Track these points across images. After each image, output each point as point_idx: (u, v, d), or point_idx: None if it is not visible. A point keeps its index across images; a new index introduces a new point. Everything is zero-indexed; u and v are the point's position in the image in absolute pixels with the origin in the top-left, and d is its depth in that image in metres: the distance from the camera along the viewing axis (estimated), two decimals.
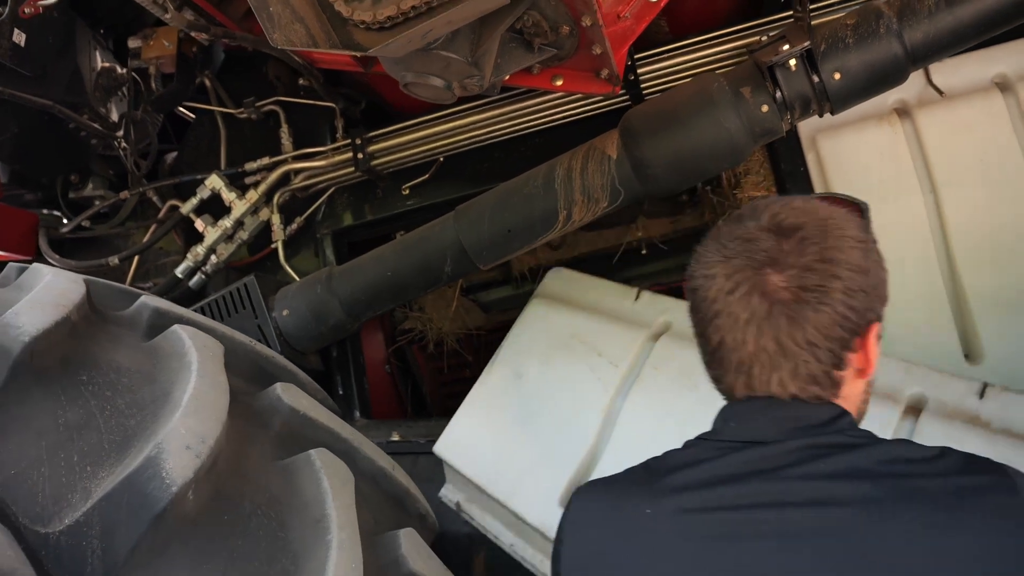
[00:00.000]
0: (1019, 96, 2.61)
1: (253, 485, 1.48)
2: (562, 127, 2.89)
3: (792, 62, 2.21)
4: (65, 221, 3.38)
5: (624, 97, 2.76)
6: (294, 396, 1.74)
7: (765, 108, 2.26)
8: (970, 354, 2.55)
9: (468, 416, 2.55)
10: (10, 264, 1.91)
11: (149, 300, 1.85)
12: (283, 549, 1.40)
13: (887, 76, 2.23)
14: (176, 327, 1.70)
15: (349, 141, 2.99)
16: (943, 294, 2.58)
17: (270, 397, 1.73)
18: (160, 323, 1.80)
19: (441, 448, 2.52)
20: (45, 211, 3.45)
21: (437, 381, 3.47)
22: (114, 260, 3.13)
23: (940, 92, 2.63)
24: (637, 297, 2.56)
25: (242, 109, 3.23)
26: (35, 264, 1.80)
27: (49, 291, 1.56)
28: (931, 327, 2.57)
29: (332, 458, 1.59)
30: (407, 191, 3.09)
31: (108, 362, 1.54)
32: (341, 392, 3.04)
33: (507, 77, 2.33)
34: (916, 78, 2.66)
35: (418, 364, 3.39)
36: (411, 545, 1.63)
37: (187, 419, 1.38)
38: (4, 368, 1.36)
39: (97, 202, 3.39)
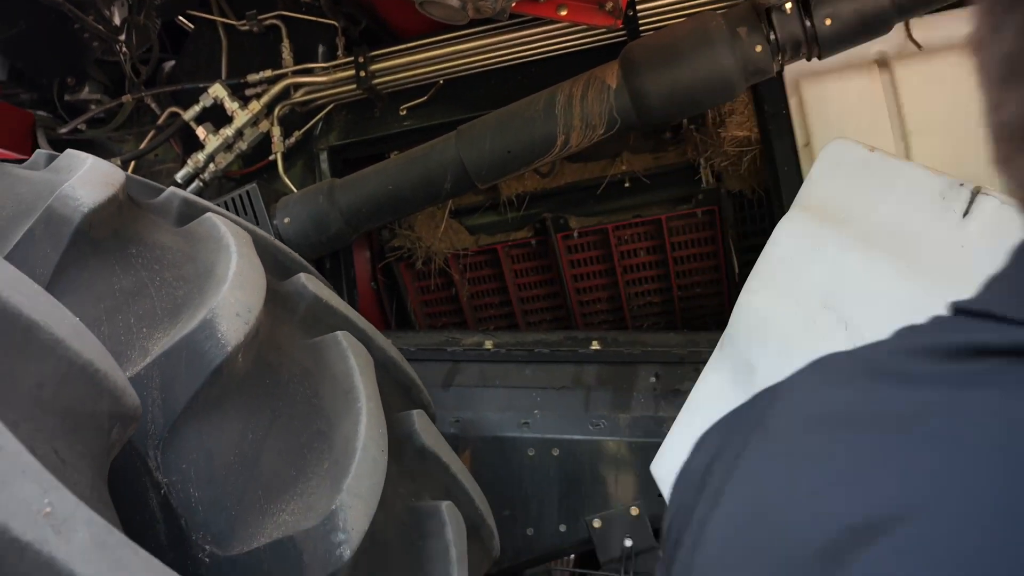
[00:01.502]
0: None
1: (288, 358, 1.62)
2: (558, 59, 3.00)
3: (788, 6, 2.36)
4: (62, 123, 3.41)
5: (621, 33, 2.88)
6: (317, 285, 1.87)
7: (759, 48, 2.41)
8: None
9: (687, 427, 2.13)
10: (38, 151, 1.99)
11: (177, 191, 1.96)
12: (318, 413, 1.55)
13: (874, 25, 2.39)
14: (209, 214, 1.82)
15: (352, 59, 3.07)
16: None
17: (295, 284, 1.86)
18: (189, 212, 1.91)
19: (658, 468, 2.13)
20: (40, 112, 3.47)
21: (422, 298, 3.62)
22: (115, 162, 3.19)
23: (918, 46, 2.80)
24: (967, 210, 1.64)
25: (244, 21, 3.27)
26: (68, 150, 1.89)
27: (97, 171, 1.66)
28: None
29: (354, 340, 1.74)
30: (404, 112, 3.18)
31: (152, 240, 1.66)
32: None
33: (515, 3, 2.44)
34: (897, 31, 2.82)
35: (404, 281, 3.53)
36: (423, 424, 1.80)
37: (235, 291, 1.51)
38: (66, 235, 1.47)
39: (93, 106, 3.42)
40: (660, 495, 2.48)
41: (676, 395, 2.58)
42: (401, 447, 1.74)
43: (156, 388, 1.38)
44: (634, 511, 2.46)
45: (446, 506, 1.64)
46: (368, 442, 1.47)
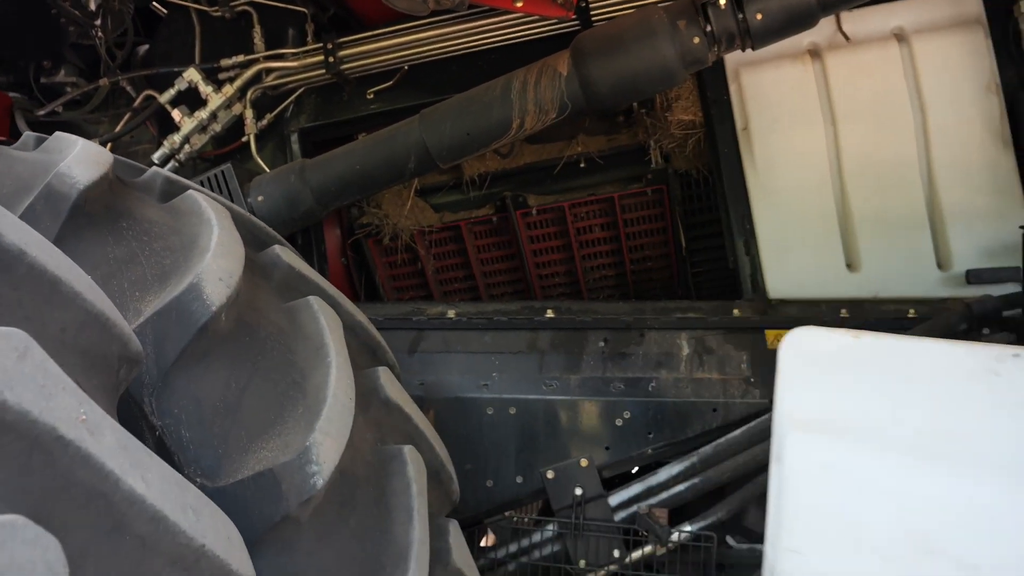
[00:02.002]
0: (912, 48, 3.04)
1: (266, 319, 1.82)
2: (515, 47, 3.20)
3: (722, 2, 2.57)
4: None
5: (574, 23, 3.09)
6: (290, 256, 2.07)
7: (696, 40, 2.63)
8: (851, 264, 3.02)
9: None
10: (27, 133, 2.16)
11: (159, 171, 2.14)
12: (293, 365, 1.75)
13: (800, 20, 2.61)
14: (191, 191, 2.01)
15: (321, 45, 3.24)
16: (834, 212, 3.04)
17: (271, 255, 2.05)
18: (170, 190, 2.09)
19: None
20: (16, 94, 3.60)
21: (389, 273, 3.81)
22: (95, 142, 3.33)
23: (847, 38, 3.03)
24: None
25: (216, 7, 3.42)
26: (57, 132, 2.06)
27: (88, 152, 1.84)
28: (821, 240, 3.03)
29: (324, 304, 1.94)
30: (371, 96, 3.37)
31: (140, 214, 1.85)
32: None
33: None
34: (828, 24, 3.06)
35: (372, 256, 3.72)
36: (387, 379, 2.01)
37: (217, 259, 1.70)
38: (64, 210, 1.66)
39: (69, 88, 3.56)
40: (607, 447, 2.72)
41: (623, 358, 2.81)
42: (368, 399, 1.95)
43: (150, 344, 1.58)
44: (584, 462, 2.69)
45: (408, 449, 1.86)
46: (337, 390, 1.68)
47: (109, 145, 3.57)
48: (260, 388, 1.67)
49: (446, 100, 2.89)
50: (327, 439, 1.58)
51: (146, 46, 3.76)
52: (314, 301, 1.91)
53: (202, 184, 3.08)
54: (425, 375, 2.87)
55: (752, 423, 2.63)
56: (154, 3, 3.73)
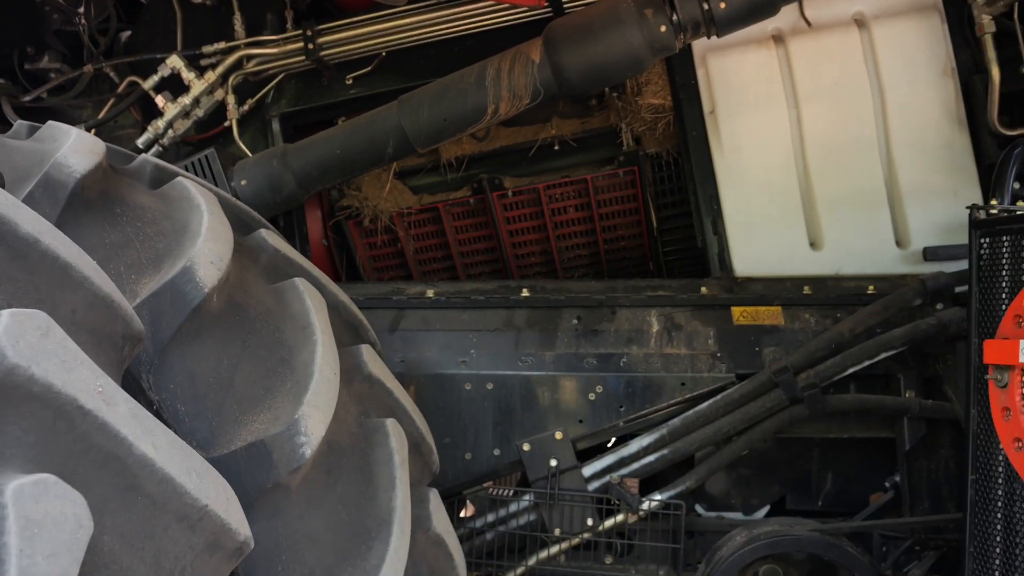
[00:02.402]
0: (872, 33, 3.16)
1: (254, 299, 1.93)
2: (491, 33, 3.29)
3: None
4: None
5: (547, 10, 3.18)
6: (276, 239, 2.17)
7: (663, 28, 2.73)
8: (814, 242, 3.16)
9: None
10: (19, 122, 2.24)
11: (149, 158, 2.23)
12: (281, 343, 1.86)
13: (762, 8, 2.73)
14: (180, 178, 2.10)
15: (300, 32, 3.32)
16: (797, 193, 3.17)
17: (257, 239, 2.15)
18: (160, 176, 2.18)
19: None
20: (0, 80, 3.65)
21: (370, 254, 3.91)
22: (81, 128, 3.40)
23: (808, 23, 3.15)
24: None
25: None
26: (50, 122, 2.14)
27: (82, 141, 1.92)
28: (784, 220, 3.17)
29: (309, 286, 2.05)
30: (350, 81, 3.45)
31: (133, 200, 1.94)
32: None
33: None
34: (792, 10, 3.17)
35: (353, 237, 3.82)
36: (370, 356, 2.12)
37: (208, 243, 1.80)
38: (62, 197, 1.75)
39: (53, 75, 3.61)
40: (581, 420, 2.85)
41: (595, 335, 2.94)
42: (351, 374, 2.06)
43: (146, 323, 1.68)
44: (558, 435, 2.82)
45: (390, 422, 1.98)
46: (323, 366, 1.79)
47: (94, 130, 3.64)
48: (250, 364, 1.78)
49: (423, 87, 2.99)
50: (314, 412, 1.70)
51: (128, 32, 3.81)
52: (300, 282, 2.02)
53: (186, 169, 3.17)
54: (406, 352, 2.98)
55: (718, 396, 2.77)
56: None
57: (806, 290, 3.00)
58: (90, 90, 3.67)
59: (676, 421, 2.78)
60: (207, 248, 1.79)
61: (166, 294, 1.69)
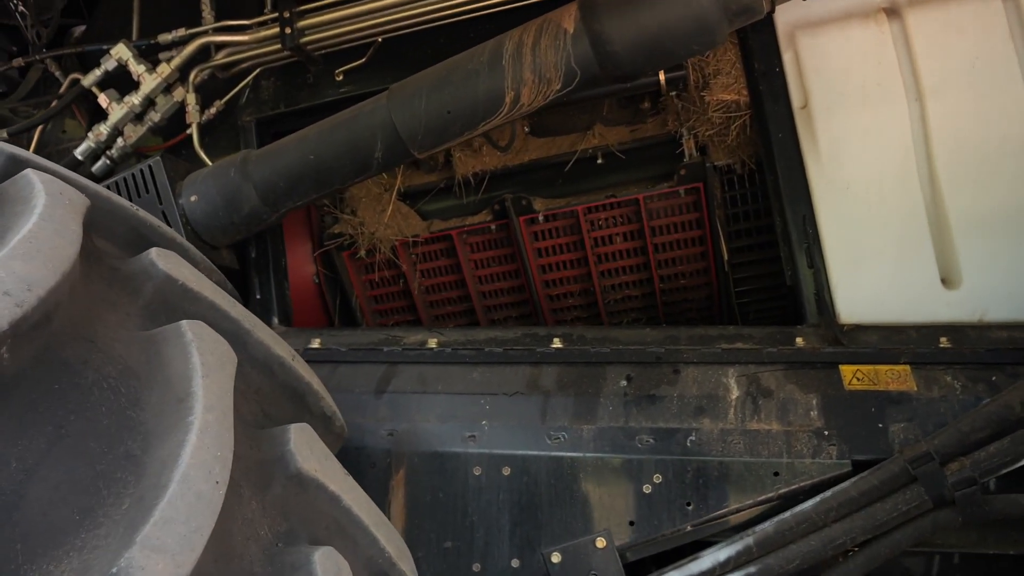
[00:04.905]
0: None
1: (102, 354, 1.20)
2: (517, 11, 2.58)
3: None
4: None
5: None
6: (172, 263, 1.45)
7: None
8: (947, 279, 2.36)
9: None
10: None
11: (4, 146, 1.54)
12: (132, 429, 1.12)
13: None
14: (28, 171, 1.39)
15: (276, 14, 2.65)
16: (922, 212, 2.38)
17: (142, 262, 1.44)
18: (13, 171, 1.48)
19: None
20: None
21: (370, 293, 3.19)
22: (2, 133, 2.77)
23: None
24: None
25: None
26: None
27: None
28: (907, 248, 2.37)
29: (209, 332, 1.31)
30: (341, 76, 2.78)
31: None
32: (259, 296, 2.74)
33: None
34: None
35: (347, 272, 3.10)
36: (302, 441, 1.36)
37: (12, 262, 1.08)
38: None
39: None
40: (632, 522, 2.05)
41: (651, 402, 2.16)
42: (269, 473, 1.31)
43: None
44: (600, 542, 2.02)
45: (321, 554, 1.21)
46: (192, 470, 1.05)
47: (35, 140, 3.01)
48: (62, 468, 1.04)
49: (422, 72, 2.29)
50: (156, 559, 0.95)
51: (83, 27, 3.20)
52: (188, 328, 1.28)
53: (125, 182, 2.49)
54: (395, 422, 2.23)
55: (828, 493, 1.95)
56: None
57: (943, 342, 2.19)
58: (37, 92, 3.06)
59: (767, 526, 1.97)
60: (6, 270, 1.07)
61: None
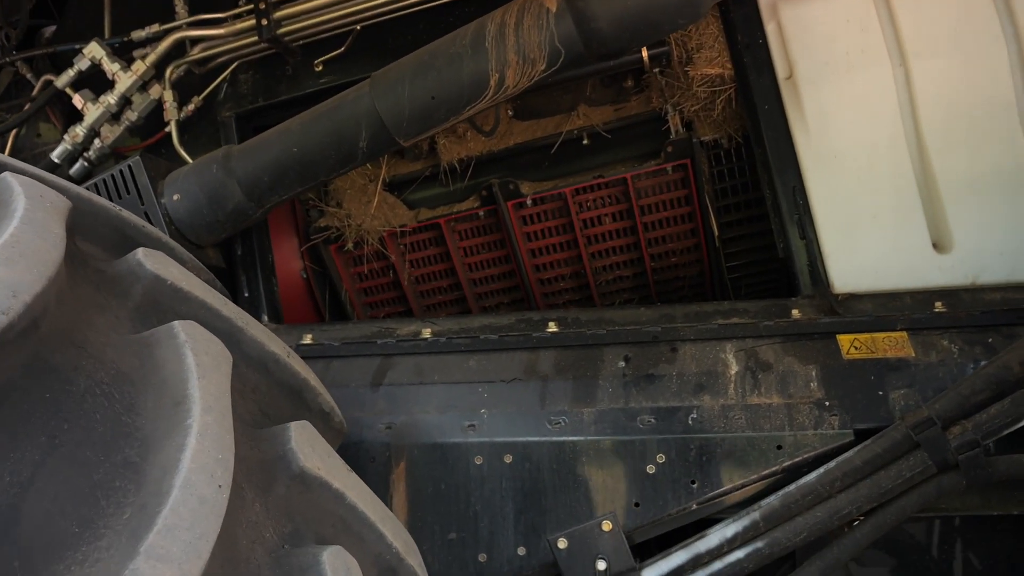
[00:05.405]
0: None
1: (94, 360, 1.16)
2: None
3: None
4: None
5: None
6: (160, 263, 1.42)
7: None
8: (938, 243, 2.35)
9: None
10: None
11: None
12: (128, 436, 1.09)
13: None
14: (6, 174, 1.35)
15: (252, 5, 2.60)
16: (911, 178, 2.36)
17: (129, 263, 1.40)
18: None
19: None
20: None
21: (359, 286, 3.15)
22: None
23: None
24: None
25: None
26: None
27: None
28: (898, 215, 2.36)
29: (202, 332, 1.28)
30: (320, 67, 2.73)
31: None
32: (247, 294, 2.70)
33: None
34: None
35: (335, 266, 3.06)
36: (303, 439, 1.34)
37: None
38: None
39: None
40: (636, 504, 2.04)
41: (651, 381, 2.14)
42: (271, 474, 1.28)
43: None
44: (606, 525, 2.01)
45: (328, 554, 1.19)
46: (193, 475, 1.02)
47: (9, 145, 2.95)
48: (58, 478, 1.01)
49: (404, 58, 2.25)
50: (162, 569, 0.92)
51: (53, 27, 3.13)
52: (182, 328, 1.25)
53: (105, 183, 2.45)
54: (393, 415, 2.21)
55: (832, 463, 1.95)
56: None
57: (938, 307, 2.18)
58: (8, 95, 2.99)
59: (773, 500, 1.96)
60: None
61: None
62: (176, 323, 1.26)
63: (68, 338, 1.15)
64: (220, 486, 1.05)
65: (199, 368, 1.19)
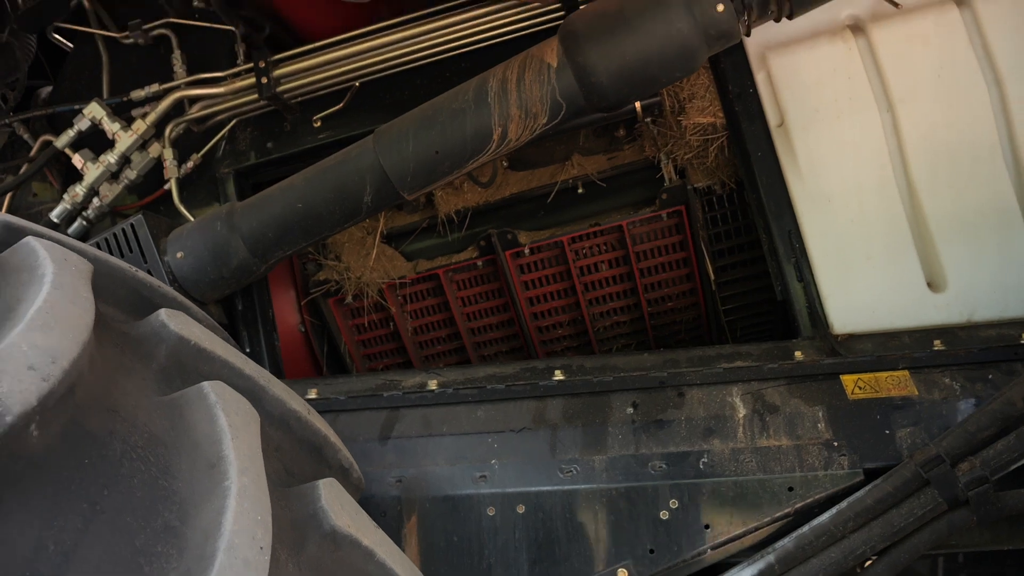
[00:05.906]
0: (974, 8, 2.46)
1: (127, 423, 1.16)
2: (491, 49, 2.62)
3: None
4: None
5: (558, 9, 2.51)
6: (182, 323, 1.42)
7: (720, 8, 2.04)
8: (933, 282, 2.40)
9: None
10: None
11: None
12: (166, 499, 1.09)
13: None
14: (29, 238, 1.36)
15: (251, 65, 2.64)
16: (903, 219, 2.43)
17: (152, 324, 1.41)
18: (10, 240, 1.45)
19: None
20: None
21: (358, 338, 3.15)
22: None
23: (896, 4, 2.45)
24: None
25: (127, 33, 2.83)
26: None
27: None
28: (892, 255, 2.41)
29: (230, 392, 1.29)
30: (319, 123, 2.77)
31: None
32: (248, 350, 2.70)
33: None
34: None
35: (335, 319, 3.07)
36: (332, 496, 1.34)
37: (32, 334, 1.05)
38: None
39: None
40: (651, 550, 2.04)
41: (660, 427, 2.15)
42: (302, 533, 1.28)
43: None
44: (622, 573, 2.01)
45: None
46: (236, 538, 1.02)
47: (6, 204, 2.95)
48: (101, 545, 1.00)
49: (407, 113, 2.29)
50: None
51: (50, 88, 3.16)
52: (211, 389, 1.25)
53: (107, 242, 2.45)
54: (403, 468, 2.20)
55: (844, 503, 1.96)
56: (54, 36, 3.14)
57: (937, 345, 2.23)
58: (5, 156, 3.00)
59: (787, 542, 1.97)
60: (27, 343, 1.04)
61: None
62: (205, 384, 1.26)
63: (101, 402, 1.15)
64: (261, 548, 1.05)
65: (232, 428, 1.19)
